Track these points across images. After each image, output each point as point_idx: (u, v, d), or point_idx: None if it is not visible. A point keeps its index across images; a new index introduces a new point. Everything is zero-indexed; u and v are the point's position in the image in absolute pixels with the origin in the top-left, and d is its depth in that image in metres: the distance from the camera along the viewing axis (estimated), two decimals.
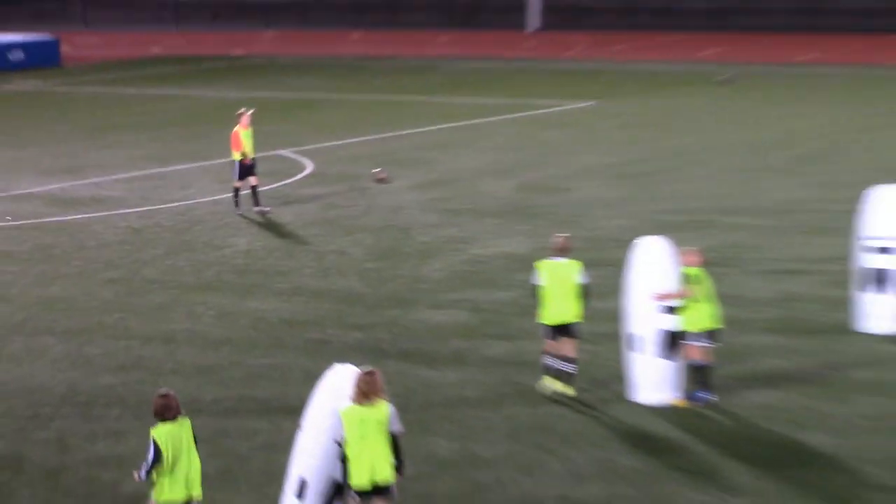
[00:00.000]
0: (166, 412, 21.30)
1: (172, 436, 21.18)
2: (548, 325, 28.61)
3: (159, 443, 21.00)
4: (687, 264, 28.33)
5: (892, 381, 29.37)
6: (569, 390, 28.63)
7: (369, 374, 21.54)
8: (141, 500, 22.19)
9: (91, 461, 25.71)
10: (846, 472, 25.17)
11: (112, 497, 23.65)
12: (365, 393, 21.44)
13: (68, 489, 24.54)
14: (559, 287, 28.39)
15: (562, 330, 28.49)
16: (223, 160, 46.60)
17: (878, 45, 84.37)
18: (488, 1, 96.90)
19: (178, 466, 21.35)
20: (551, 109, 65.45)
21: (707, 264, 28.60)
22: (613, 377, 29.01)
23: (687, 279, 28.10)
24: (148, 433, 21.27)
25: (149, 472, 21.26)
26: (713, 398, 28.10)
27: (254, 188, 44.33)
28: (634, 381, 28.54)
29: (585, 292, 28.32)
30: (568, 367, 28.65)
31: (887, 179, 34.50)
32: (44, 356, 31.32)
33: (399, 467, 21.55)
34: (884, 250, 32.30)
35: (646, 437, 26.95)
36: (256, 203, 44.06)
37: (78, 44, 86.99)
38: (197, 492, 21.26)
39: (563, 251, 28.69)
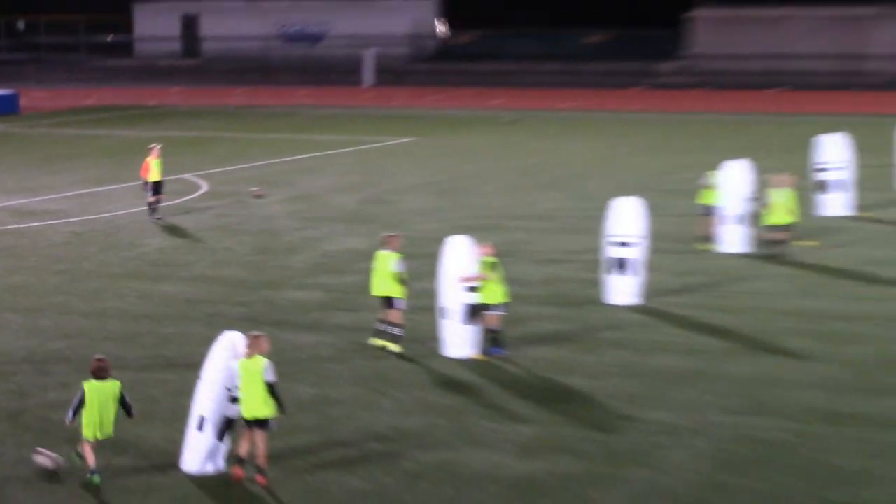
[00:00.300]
0: (99, 372, 21.45)
1: (99, 391, 21.30)
2: (378, 298, 28.95)
3: (86, 394, 21.12)
4: (484, 255, 28.66)
5: (631, 339, 29.89)
6: (396, 347, 28.86)
7: (255, 337, 21.70)
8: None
9: (44, 405, 25.58)
10: (599, 405, 25.51)
11: (59, 430, 23.50)
12: (250, 351, 21.57)
13: (27, 425, 24.41)
14: (382, 270, 28.76)
15: (386, 302, 28.79)
16: (139, 182, 46.37)
17: (619, 96, 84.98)
18: (335, 65, 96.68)
19: (100, 415, 21.41)
20: (383, 143, 65.54)
21: (498, 255, 28.93)
22: (430, 338, 29.21)
23: (484, 266, 28.44)
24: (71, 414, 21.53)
25: (74, 414, 21.40)
26: (504, 353, 28.39)
27: (156, 202, 44.58)
28: (446, 341, 28.75)
29: (400, 276, 28.59)
30: (394, 330, 28.91)
31: (623, 193, 35.04)
32: (7, 328, 31.21)
33: (279, 407, 21.62)
34: (623, 245, 32.83)
35: (455, 382, 27.17)
36: (153, 212, 44.48)
37: (33, 97, 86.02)
38: (108, 433, 21.42)
39: (387, 245, 28.99)
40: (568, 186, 50.70)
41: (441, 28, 34.46)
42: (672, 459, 22.63)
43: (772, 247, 37.79)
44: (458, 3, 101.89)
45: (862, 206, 44.41)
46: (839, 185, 44.15)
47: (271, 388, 21.52)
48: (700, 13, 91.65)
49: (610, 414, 25.02)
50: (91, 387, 21.40)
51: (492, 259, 28.79)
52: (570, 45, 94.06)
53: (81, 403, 21.35)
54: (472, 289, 28.56)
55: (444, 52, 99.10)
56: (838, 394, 25.95)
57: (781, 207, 37.52)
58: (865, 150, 50.07)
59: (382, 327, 29.22)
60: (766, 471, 22.05)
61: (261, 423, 21.55)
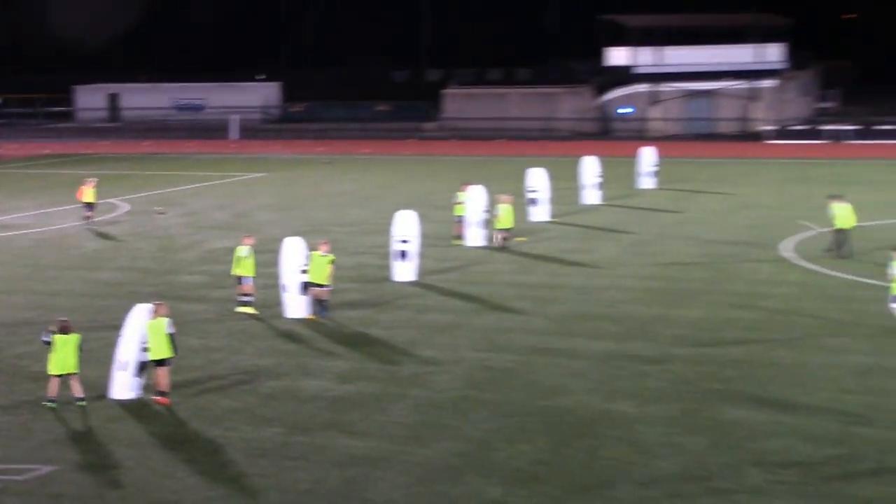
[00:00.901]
0: (63, 329, 20.83)
1: (62, 341, 20.64)
2: (235, 276, 28.98)
3: (54, 340, 20.51)
4: (323, 250, 28.47)
5: (410, 304, 29.94)
6: (252, 310, 28.49)
7: (158, 305, 21.49)
8: (43, 374, 21.40)
9: (14, 356, 24.69)
10: (391, 347, 25.46)
11: (27, 374, 22.71)
12: (155, 314, 21.22)
13: (1, 370, 23.57)
14: (238, 258, 28.53)
15: (241, 280, 28.38)
16: (79, 204, 45.04)
17: (399, 145, 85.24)
18: (211, 125, 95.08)
19: (64, 358, 20.78)
20: (243, 177, 64.56)
21: (331, 251, 28.72)
22: (277, 305, 28.89)
23: (322, 257, 28.24)
24: (46, 339, 20.94)
25: (45, 343, 21.10)
26: (328, 315, 28.21)
27: (90, 217, 43.57)
28: (287, 307, 28.47)
29: (251, 262, 28.26)
30: (247, 300, 28.56)
31: (403, 207, 35.02)
32: None
33: (175, 350, 21.33)
34: (403, 241, 32.83)
35: (294, 334, 26.93)
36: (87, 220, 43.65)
37: (6, 148, 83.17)
38: (166, 355, 21.28)
39: (243, 243, 28.88)
40: (367, 204, 50.57)
41: None
42: (438, 382, 22.70)
43: (500, 242, 38.21)
44: (293, 85, 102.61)
45: (556, 215, 45.11)
46: (541, 201, 44.79)
47: (171, 338, 21.22)
48: (450, 91, 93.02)
49: (397, 353, 24.99)
50: (58, 338, 20.88)
51: (325, 253, 28.61)
52: (366, 111, 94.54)
53: (49, 344, 20.95)
54: (304, 272, 28.33)
55: (284, 116, 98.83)
56: (544, 336, 26.28)
57: (505, 216, 38.15)
58: (558, 179, 50.88)
59: (241, 298, 28.89)
60: (499, 387, 22.24)
61: (164, 362, 21.20)
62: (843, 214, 35.43)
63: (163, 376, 21.37)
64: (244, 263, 28.68)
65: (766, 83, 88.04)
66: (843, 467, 17.39)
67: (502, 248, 37.90)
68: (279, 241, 30.58)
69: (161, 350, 21.33)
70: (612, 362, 23.79)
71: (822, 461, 17.61)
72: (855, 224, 35.59)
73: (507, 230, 38.35)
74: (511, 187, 49.32)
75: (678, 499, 16.30)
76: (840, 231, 35.39)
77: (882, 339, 25.14)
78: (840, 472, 17.20)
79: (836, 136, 78.72)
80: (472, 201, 39.07)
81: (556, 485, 17.01)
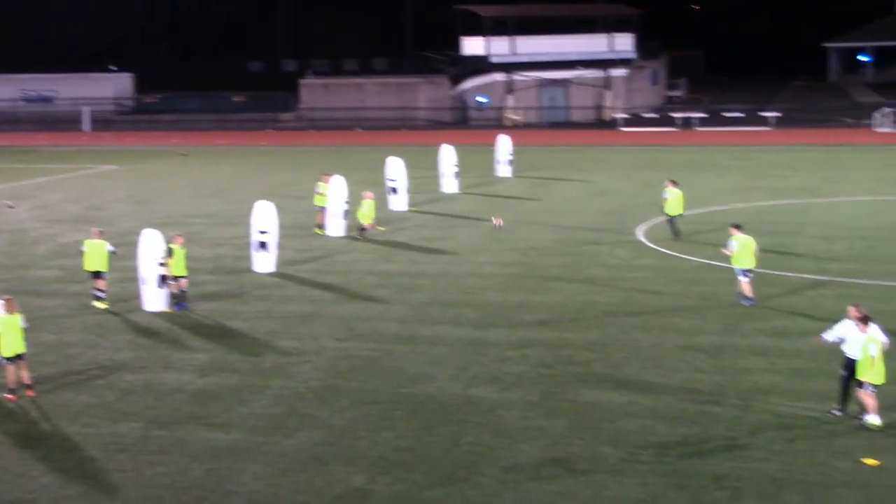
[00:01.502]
0: (8, 308, 20.72)
1: (5, 322, 19.96)
2: (90, 272, 28.30)
3: None
4: (177, 242, 27.95)
5: (271, 294, 29.64)
6: (105, 305, 27.88)
7: (9, 300, 21.05)
8: None
9: None
10: (251, 339, 25.14)
11: None
12: (8, 310, 20.63)
13: None
14: (92, 252, 27.94)
15: (96, 275, 27.77)
16: None
17: (256, 136, 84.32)
18: (63, 117, 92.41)
19: (8, 339, 20.37)
20: (97, 170, 63.07)
21: (186, 243, 28.19)
22: (134, 297, 28.26)
23: (170, 252, 27.73)
24: None
25: None
26: (187, 307, 27.72)
27: None
28: (145, 300, 27.88)
29: (108, 257, 27.81)
30: (100, 294, 27.94)
31: (261, 197, 34.62)
32: None
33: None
34: (262, 232, 32.49)
35: (153, 328, 26.46)
36: None
37: None
38: (20, 351, 20.92)
39: (94, 236, 28.46)
40: (224, 195, 49.84)
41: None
42: (300, 372, 22.53)
43: (360, 232, 38.08)
44: (147, 76, 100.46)
45: (415, 204, 45.17)
46: (400, 190, 44.76)
47: (24, 332, 20.72)
48: (307, 81, 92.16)
49: (258, 344, 24.72)
50: (2, 320, 20.85)
51: (179, 246, 28.10)
52: (222, 102, 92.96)
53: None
54: (162, 265, 27.79)
55: (138, 108, 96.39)
56: (406, 324, 26.30)
57: (368, 211, 38.18)
58: (417, 168, 50.98)
59: (96, 293, 28.21)
60: (361, 376, 22.17)
61: (20, 357, 20.64)
62: (672, 200, 36.46)
63: (23, 370, 20.98)
64: (97, 257, 27.97)
65: (618, 72, 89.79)
66: (697, 445, 17.84)
67: (362, 238, 37.81)
68: (135, 233, 29.87)
69: (16, 345, 20.76)
70: (473, 348, 23.94)
71: (677, 440, 18.03)
72: (682, 211, 36.57)
73: (369, 224, 38.45)
74: (370, 177, 49.22)
75: (540, 482, 16.50)
76: (670, 217, 36.61)
77: (731, 320, 25.87)
78: (694, 450, 17.64)
79: (686, 124, 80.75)
80: (334, 191, 38.86)
81: (420, 471, 17.04)
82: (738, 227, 27.81)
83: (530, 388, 21.03)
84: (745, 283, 27.41)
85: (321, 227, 39.25)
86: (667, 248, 34.97)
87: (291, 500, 16.19)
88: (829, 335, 19.36)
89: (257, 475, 17.08)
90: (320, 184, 39.85)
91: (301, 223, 40.66)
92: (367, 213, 38.00)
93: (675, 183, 37.06)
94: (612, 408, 19.73)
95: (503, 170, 55.48)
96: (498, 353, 23.54)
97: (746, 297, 27.33)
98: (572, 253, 34.78)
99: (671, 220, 36.71)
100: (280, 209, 34.68)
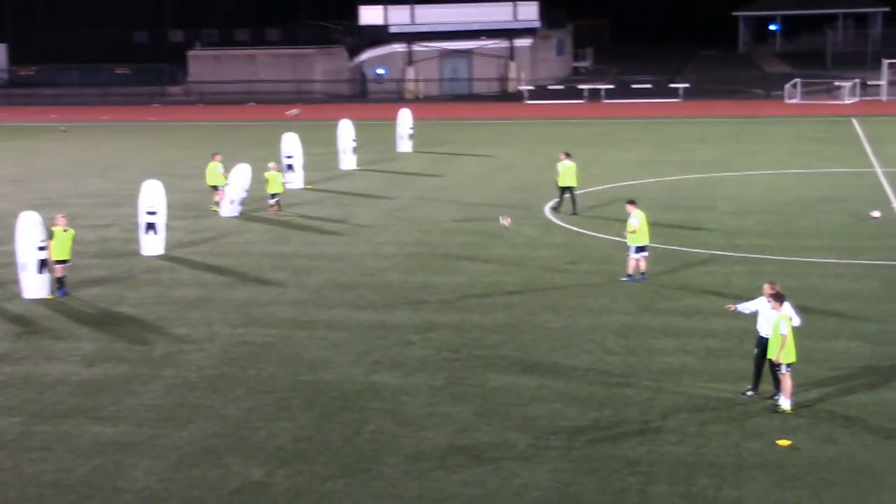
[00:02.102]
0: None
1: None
2: None
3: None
4: (58, 224, 27.49)
5: (160, 279, 29.35)
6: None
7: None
8: None
9: None
10: (142, 326, 24.81)
11: None
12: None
13: None
14: None
15: None
16: None
17: (141, 111, 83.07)
18: None
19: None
20: None
21: (70, 225, 27.73)
22: (13, 283, 27.69)
23: (51, 235, 27.27)
24: None
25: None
26: (68, 293, 27.23)
27: None
28: (25, 287, 27.34)
29: None
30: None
31: (149, 176, 34.13)
32: None
33: None
34: (150, 213, 32.08)
35: (33, 316, 25.93)
36: None
37: None
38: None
39: None
40: (109, 174, 49.03)
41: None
42: (192, 360, 22.31)
43: (275, 211, 38.06)
44: (22, 47, 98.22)
45: (312, 181, 44.90)
46: (296, 167, 44.44)
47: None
48: (195, 52, 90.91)
49: (148, 331, 24.42)
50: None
51: (63, 228, 27.56)
52: (105, 75, 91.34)
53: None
54: (42, 250, 27.25)
55: (12, 81, 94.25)
56: (303, 308, 26.18)
57: (273, 181, 38.34)
58: (313, 144, 50.72)
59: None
60: (257, 363, 22.02)
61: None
62: (565, 173, 36.93)
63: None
64: None
65: (522, 42, 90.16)
66: (609, 429, 18.06)
67: (279, 208, 37.92)
68: (13, 216, 29.23)
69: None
70: (375, 332, 23.92)
71: (588, 424, 18.24)
72: (575, 184, 37.07)
73: (277, 195, 38.38)
74: (264, 154, 48.84)
75: (446, 470, 16.56)
76: (563, 189, 37.14)
77: (642, 299, 26.22)
78: (605, 434, 17.86)
79: (593, 96, 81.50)
80: (236, 178, 38.48)
81: (320, 462, 16.99)
82: (632, 202, 28.18)
83: (435, 373, 21.08)
84: (638, 261, 27.83)
85: (217, 205, 38.98)
86: (575, 226, 35.28)
87: (184, 495, 16.03)
88: (744, 306, 19.77)
89: (148, 470, 16.87)
90: (211, 164, 39.53)
91: (191, 203, 40.17)
92: (272, 182, 38.42)
93: (568, 155, 37.59)
94: (520, 392, 19.87)
95: (404, 145, 55.44)
96: (400, 337, 23.54)
97: (628, 275, 27.87)
98: (477, 231, 34.91)
99: (566, 193, 37.18)
100: (168, 188, 34.23)
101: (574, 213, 36.92)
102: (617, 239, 32.07)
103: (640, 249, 27.85)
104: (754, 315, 19.45)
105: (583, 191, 40.02)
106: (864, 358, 21.42)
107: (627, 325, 24.16)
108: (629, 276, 27.85)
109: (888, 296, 26.16)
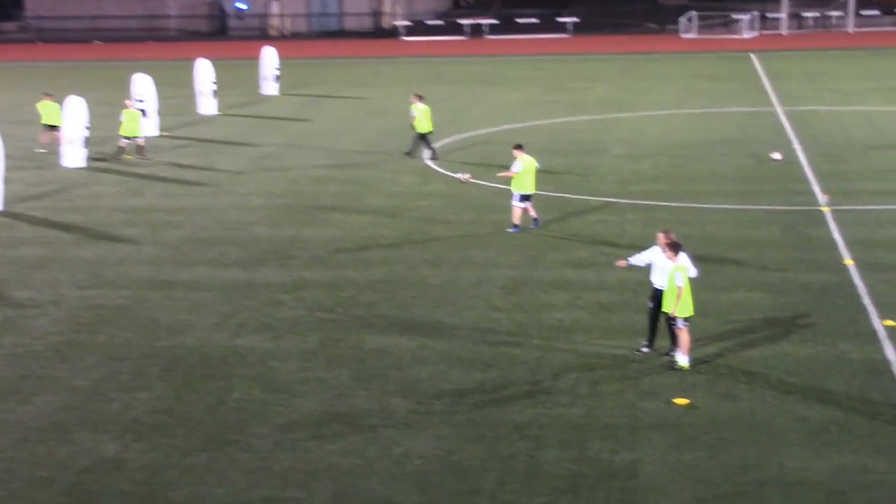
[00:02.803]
0: None
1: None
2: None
3: None
4: None
5: (11, 237, 28.53)
6: None
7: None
8: None
9: None
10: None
11: None
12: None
13: None
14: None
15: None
16: None
17: (13, 49, 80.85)
18: None
19: None
20: None
21: None
22: None
23: None
24: None
25: None
26: None
27: None
28: None
29: None
30: None
31: None
32: None
33: None
34: None
35: None
36: None
37: None
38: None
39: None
40: None
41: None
42: (36, 326, 21.93)
43: (136, 157, 37.69)
44: None
45: (167, 128, 44.25)
46: (150, 112, 43.74)
47: None
48: None
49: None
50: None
51: None
52: None
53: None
54: None
55: None
56: (160, 266, 25.88)
57: (129, 122, 38.05)
58: (168, 86, 49.94)
59: None
60: (109, 328, 21.72)
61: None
62: (420, 117, 37.25)
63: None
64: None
65: None
66: (495, 392, 18.23)
67: (122, 159, 37.46)
68: None
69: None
70: (240, 292, 23.76)
71: (472, 387, 18.38)
72: (431, 129, 37.40)
73: (132, 138, 37.91)
74: (114, 97, 47.98)
75: (321, 440, 16.56)
76: (420, 135, 37.50)
77: (530, 251, 26.47)
78: (492, 397, 18.02)
79: (475, 32, 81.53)
80: (70, 114, 37.70)
81: (180, 435, 16.85)
82: (520, 147, 28.33)
83: (307, 335, 21.02)
84: (526, 209, 28.06)
85: (46, 147, 38.70)
86: (457, 173, 35.38)
87: (29, 475, 15.77)
88: (637, 259, 20.05)
89: None
90: (44, 102, 39.14)
91: (32, 153, 39.29)
92: (128, 123, 37.81)
93: (420, 97, 37.83)
94: (400, 354, 19.93)
95: (269, 87, 54.97)
96: (269, 297, 23.42)
97: (515, 225, 28.13)
98: (350, 180, 34.81)
99: (422, 139, 37.46)
100: (5, 136, 33.36)
101: (434, 158, 37.08)
102: (502, 187, 32.26)
103: (524, 198, 28.03)
104: (649, 267, 19.75)
105: (465, 134, 40.21)
106: (765, 309, 21.95)
107: (514, 279, 24.36)
108: (516, 226, 28.06)
109: (789, 243, 26.81)
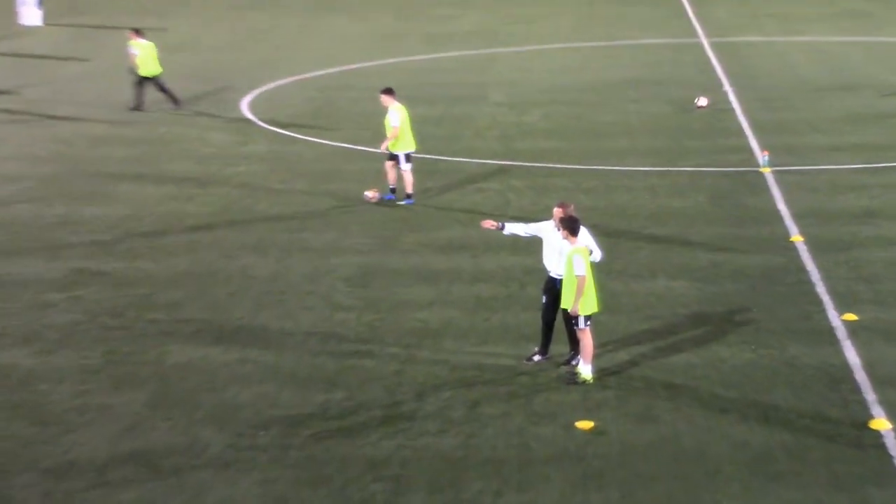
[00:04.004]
0: None
1: None
2: None
3: None
4: None
5: None
6: None
7: None
8: None
9: None
10: None
11: None
12: None
13: None
14: None
15: None
16: None
17: None
18: None
19: None
20: None
21: None
22: None
23: None
24: None
25: None
26: None
27: None
28: None
29: None
30: None
31: None
32: None
33: None
34: None
35: None
36: None
37: None
38: None
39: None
40: None
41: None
42: None
43: None
44: None
45: None
46: None
47: None
48: None
49: None
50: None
51: None
52: None
53: None
54: None
55: None
56: None
57: None
58: None
59: None
60: None
61: None
62: (144, 56, 37.85)
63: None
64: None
65: None
66: (342, 419, 18.08)
67: None
68: None
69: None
70: None
71: (311, 413, 18.19)
72: (159, 71, 37.88)
73: None
74: None
75: (108, 488, 16.24)
76: (143, 79, 38.01)
77: (384, 231, 26.44)
78: (337, 426, 17.89)
79: None
80: None
81: None
82: (390, 92, 28.19)
83: (88, 349, 20.73)
84: (404, 174, 27.99)
85: None
86: (284, 128, 35.15)
87: None
88: (517, 227, 19.90)
89: None
90: None
91: None
92: None
93: (138, 33, 37.80)
94: (213, 370, 19.72)
95: (29, 15, 54.07)
96: (34, 297, 23.08)
97: (392, 190, 28.10)
98: (143, 140, 34.45)
99: (149, 83, 37.89)
100: None
101: (176, 105, 37.07)
102: (345, 146, 32.16)
103: (394, 157, 27.90)
104: (540, 248, 19.70)
105: (292, 78, 40.01)
106: (691, 302, 22.20)
107: (364, 268, 24.29)
108: (409, 196, 28.19)
109: (720, 214, 27.16)
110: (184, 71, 43.44)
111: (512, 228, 19.99)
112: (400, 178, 28.21)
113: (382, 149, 28.02)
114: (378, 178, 28.71)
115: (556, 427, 17.67)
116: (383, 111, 28.25)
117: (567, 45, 47.41)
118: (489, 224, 20.21)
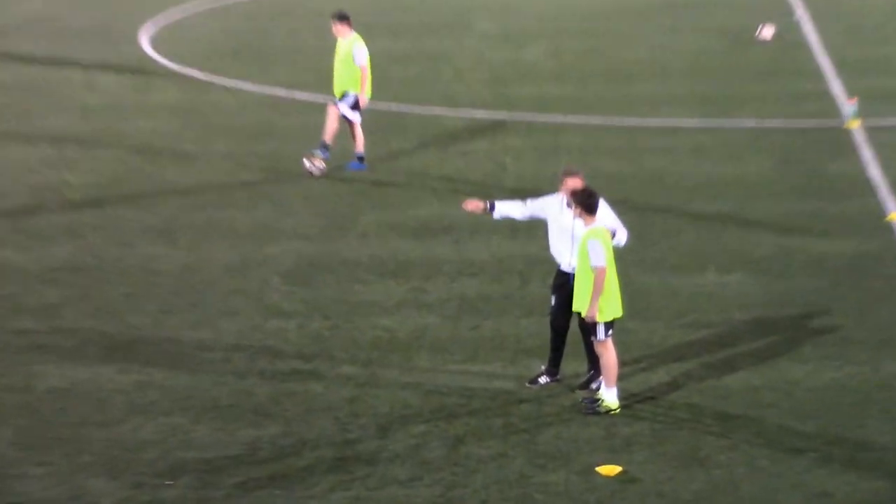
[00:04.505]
0: None
1: None
2: None
3: None
4: None
5: None
6: None
7: None
8: None
9: None
10: None
11: None
12: None
13: None
14: None
15: None
16: None
17: None
18: None
19: None
20: None
21: None
22: None
23: None
24: None
25: None
26: None
27: None
28: None
29: None
30: None
31: None
32: None
33: None
34: None
35: None
36: None
37: None
38: None
39: None
40: None
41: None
42: None
43: None
44: None
45: None
46: None
47: None
48: None
49: None
50: None
51: None
52: None
53: None
54: None
55: None
56: None
57: None
58: None
59: None
60: None
61: None
62: None
63: None
64: None
65: None
66: (279, 461, 18.09)
67: None
68: None
69: None
70: None
71: (236, 455, 18.19)
72: None
73: None
74: None
75: None
76: None
77: (333, 208, 26.46)
78: (271, 471, 17.87)
79: None
80: None
81: None
82: (345, 19, 28.13)
83: None
84: (353, 127, 28.03)
85: None
86: (202, 71, 35.14)
87: None
88: (509, 208, 19.70)
89: None
90: None
91: None
92: None
93: None
94: (102, 398, 19.72)
95: None
96: None
97: (324, 145, 28.23)
98: (14, 86, 34.64)
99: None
100: None
101: None
102: (279, 93, 32.12)
103: (354, 105, 27.88)
104: (545, 232, 19.64)
105: (211, 3, 39.97)
106: (753, 303, 22.23)
107: (308, 259, 24.37)
108: (360, 158, 28.43)
109: (791, 185, 27.20)
110: None
111: (505, 209, 19.77)
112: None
113: (363, 104, 28.14)
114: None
115: (569, 473, 17.66)
116: (333, 44, 28.21)
117: None
118: (473, 206, 19.97)
